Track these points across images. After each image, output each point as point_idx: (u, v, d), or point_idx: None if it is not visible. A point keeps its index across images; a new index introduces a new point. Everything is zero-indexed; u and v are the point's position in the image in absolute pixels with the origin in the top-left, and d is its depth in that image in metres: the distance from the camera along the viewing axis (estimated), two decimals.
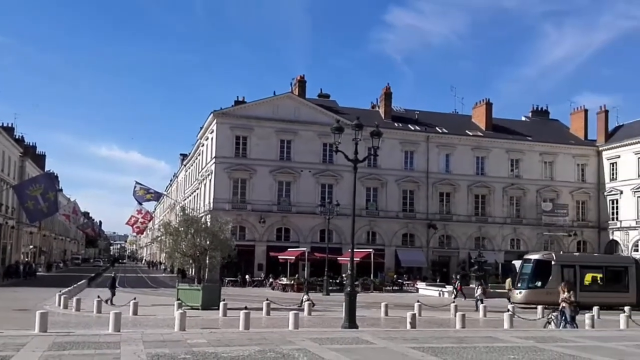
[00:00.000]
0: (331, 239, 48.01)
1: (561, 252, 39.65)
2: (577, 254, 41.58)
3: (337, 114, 49.46)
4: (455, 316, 20.74)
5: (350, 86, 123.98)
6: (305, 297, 28.22)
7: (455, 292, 38.34)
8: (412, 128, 55.81)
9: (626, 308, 25.92)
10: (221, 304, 23.38)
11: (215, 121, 51.29)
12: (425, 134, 55.29)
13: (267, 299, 25.52)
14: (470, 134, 56.98)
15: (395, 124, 55.72)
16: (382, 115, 56.06)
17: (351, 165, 20.04)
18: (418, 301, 26.78)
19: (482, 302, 27.71)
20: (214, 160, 50.66)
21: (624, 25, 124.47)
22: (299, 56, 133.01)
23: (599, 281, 34.16)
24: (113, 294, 28.38)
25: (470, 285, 38.60)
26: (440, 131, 56.19)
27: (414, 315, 19.32)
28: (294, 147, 52.02)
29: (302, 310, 24.34)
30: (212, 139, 52.54)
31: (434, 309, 28.41)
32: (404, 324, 19.35)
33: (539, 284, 33.00)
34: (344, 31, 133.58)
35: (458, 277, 42.44)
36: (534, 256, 35.78)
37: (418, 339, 13.59)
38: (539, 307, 25.93)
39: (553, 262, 33.32)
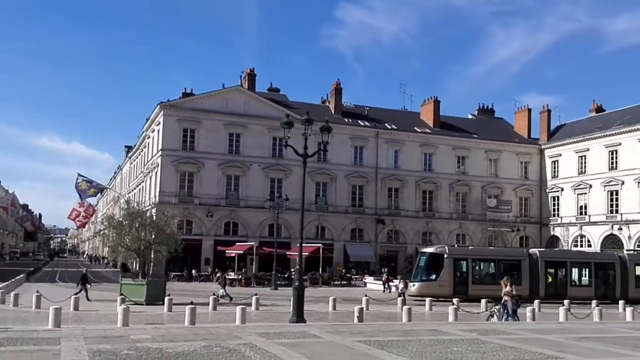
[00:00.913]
0: (280, 234, 47.93)
1: (455, 246, 40.24)
2: (471, 247, 42.17)
3: (287, 108, 49.25)
4: (401, 310, 20.99)
5: (300, 81, 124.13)
6: (221, 291, 28.03)
7: (383, 286, 39.60)
8: (362, 124, 56.18)
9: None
10: (166, 299, 22.99)
11: (162, 113, 50.28)
12: (374, 130, 55.77)
13: (213, 294, 25.26)
14: (419, 130, 57.78)
15: (345, 120, 55.96)
16: (332, 111, 56.19)
17: (301, 160, 19.96)
18: (366, 295, 27.00)
19: (403, 296, 28.09)
20: (160, 152, 49.70)
21: (568, 27, 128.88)
22: (249, 50, 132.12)
23: (492, 274, 34.98)
24: (86, 290, 27.64)
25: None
26: (389, 127, 56.77)
27: (361, 309, 19.44)
28: (243, 141, 51.56)
29: (250, 304, 24.18)
30: (158, 131, 51.52)
31: (381, 303, 28.73)
32: (351, 318, 19.45)
33: (432, 276, 33.83)
34: (295, 26, 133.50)
35: (385, 270, 43.99)
36: (428, 250, 36.46)
37: (365, 333, 13.67)
38: (483, 301, 26.45)
39: (445, 256, 33.90)
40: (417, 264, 36.27)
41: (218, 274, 44.42)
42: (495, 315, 19.76)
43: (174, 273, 44.70)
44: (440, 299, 30.22)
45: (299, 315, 18.22)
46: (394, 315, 23.03)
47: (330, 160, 52.73)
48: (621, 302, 29.11)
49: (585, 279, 37.10)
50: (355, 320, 18.70)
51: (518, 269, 34.82)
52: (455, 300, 25.27)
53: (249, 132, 51.56)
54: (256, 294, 25.76)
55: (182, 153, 49.78)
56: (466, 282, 33.95)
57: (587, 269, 37.16)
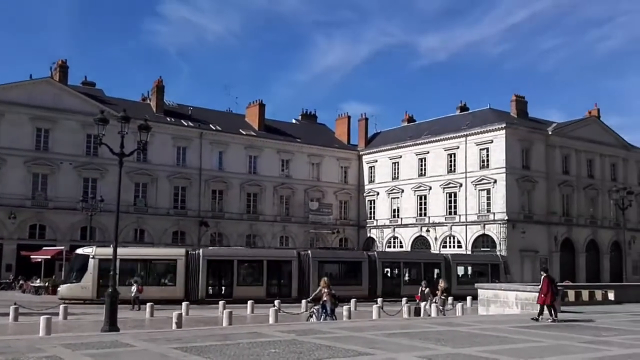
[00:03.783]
0: (94, 237, 45.01)
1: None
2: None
3: (103, 104, 46.39)
4: (222, 314, 20.68)
5: (120, 77, 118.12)
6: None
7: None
8: (185, 124, 54.85)
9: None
10: None
11: None
12: (198, 131, 54.73)
13: (15, 303, 22.98)
14: (244, 133, 57.84)
15: (168, 119, 54.25)
16: (154, 109, 54.13)
17: (117, 159, 18.88)
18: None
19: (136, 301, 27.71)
20: None
21: (384, 41, 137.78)
22: (60, 40, 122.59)
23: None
24: None
25: None
26: (214, 128, 56.09)
27: (179, 315, 18.83)
28: (52, 137, 47.63)
29: (57, 314, 22.28)
30: None
31: (203, 307, 28.17)
32: (170, 324, 18.74)
33: (76, 279, 32.04)
34: (114, 17, 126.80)
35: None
36: (78, 251, 34.20)
37: (182, 339, 13.15)
38: (303, 301, 26.96)
39: (91, 257, 32.07)
40: (71, 264, 34.09)
41: (21, 282, 40.57)
42: (314, 316, 20.22)
43: None
44: (86, 302, 29.44)
45: (111, 324, 17.20)
46: (214, 320, 22.62)
47: (152, 160, 50.74)
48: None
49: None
50: (174, 326, 18.05)
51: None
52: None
53: (59, 128, 47.75)
54: (65, 302, 23.82)
55: None
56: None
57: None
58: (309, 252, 37.27)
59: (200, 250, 34.83)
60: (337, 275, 37.01)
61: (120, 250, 33.33)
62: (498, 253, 47.86)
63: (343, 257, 40.40)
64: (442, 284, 25.92)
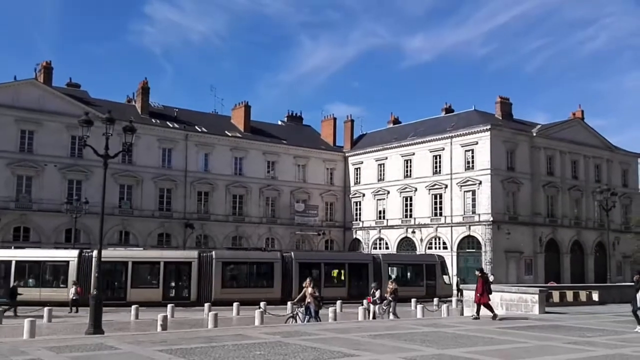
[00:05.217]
0: (79, 239, 44.62)
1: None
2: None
3: (88, 105, 46.04)
4: (208, 316, 20.62)
5: (105, 78, 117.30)
6: None
7: None
8: (171, 125, 54.58)
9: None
10: None
11: None
12: (184, 132, 54.47)
13: (70, 310, 22.88)
14: (230, 134, 57.68)
15: (153, 120, 53.92)
16: (139, 111, 53.80)
17: (102, 161, 18.80)
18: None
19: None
20: None
21: (370, 42, 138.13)
22: (45, 42, 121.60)
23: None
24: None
25: None
26: (199, 130, 55.87)
27: (165, 317, 18.76)
28: (37, 139, 47.15)
29: (42, 317, 22.16)
30: None
31: (188, 309, 28.09)
32: (155, 326, 18.68)
33: None
34: (99, 18, 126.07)
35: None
36: None
37: (167, 341, 13.13)
38: (289, 303, 26.77)
39: None
40: None
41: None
42: (298, 317, 20.20)
43: None
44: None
45: (96, 326, 17.15)
46: (200, 322, 22.55)
47: (137, 162, 50.44)
48: (413, 300, 31.57)
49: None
50: (159, 328, 18.01)
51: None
52: None
53: (44, 130, 47.30)
54: (47, 305, 23.67)
55: None
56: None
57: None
58: (213, 252, 34.86)
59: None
60: (245, 277, 35.11)
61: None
62: (436, 253, 47.64)
63: (252, 258, 36.82)
64: (391, 285, 24.75)
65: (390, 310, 23.18)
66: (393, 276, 37.75)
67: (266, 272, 35.18)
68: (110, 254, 32.98)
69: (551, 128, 56.56)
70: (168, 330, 17.77)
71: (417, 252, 54.87)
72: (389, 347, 12.64)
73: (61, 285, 31.55)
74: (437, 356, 11.31)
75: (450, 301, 33.02)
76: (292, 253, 36.98)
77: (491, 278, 45.48)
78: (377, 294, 23.22)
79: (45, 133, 47.34)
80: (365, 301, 24.41)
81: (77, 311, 26.94)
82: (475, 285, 20.08)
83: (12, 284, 28.78)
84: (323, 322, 19.82)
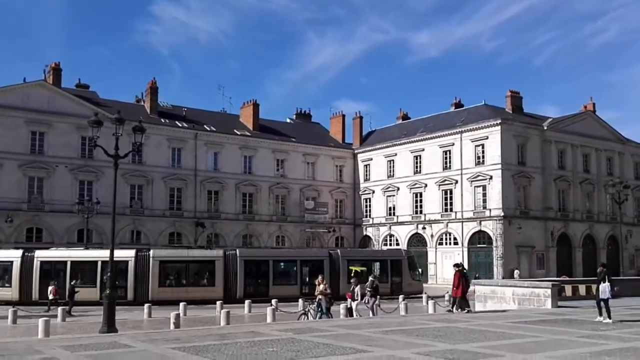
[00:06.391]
0: (91, 239, 44.92)
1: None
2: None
3: (97, 106, 46.30)
4: (220, 313, 20.70)
5: (113, 78, 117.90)
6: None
7: None
8: (180, 125, 54.76)
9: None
10: None
11: None
12: (193, 132, 54.64)
13: (13, 306, 23.01)
14: (238, 133, 57.79)
15: (162, 120, 54.13)
16: (148, 111, 54.02)
17: (113, 161, 18.89)
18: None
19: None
20: None
21: (377, 38, 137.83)
22: (54, 43, 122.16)
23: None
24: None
25: None
26: (208, 129, 56.02)
27: (177, 315, 18.85)
28: (47, 140, 47.48)
29: (55, 316, 22.34)
30: None
31: (200, 307, 28.18)
32: (168, 324, 18.76)
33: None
34: (106, 18, 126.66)
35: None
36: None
37: (180, 339, 13.18)
38: (300, 300, 26.74)
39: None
40: None
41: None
42: (310, 314, 20.23)
43: None
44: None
45: (110, 325, 17.25)
46: (212, 320, 22.63)
47: (146, 162, 50.67)
48: (424, 295, 31.39)
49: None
50: (172, 326, 18.08)
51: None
52: None
53: (54, 131, 47.62)
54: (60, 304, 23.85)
55: None
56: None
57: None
58: (151, 251, 33.70)
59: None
60: (185, 276, 33.63)
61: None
62: (403, 248, 46.83)
63: (191, 256, 35.28)
64: (369, 282, 22.93)
65: (368, 306, 21.91)
66: (353, 272, 35.29)
67: (207, 270, 33.58)
68: (51, 254, 33.41)
69: (562, 121, 56.19)
70: (181, 328, 17.85)
71: (428, 248, 54.85)
72: (402, 342, 12.63)
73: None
74: (450, 351, 11.28)
75: (420, 298, 31.22)
76: (238, 250, 35.34)
77: (516, 273, 45.81)
78: (357, 290, 22.29)
79: (56, 134, 47.65)
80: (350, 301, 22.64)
81: (51, 310, 26.38)
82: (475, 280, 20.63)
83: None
84: (335, 318, 19.83)
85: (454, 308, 20.31)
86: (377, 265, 38.68)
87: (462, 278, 20.04)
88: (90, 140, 21.90)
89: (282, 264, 36.71)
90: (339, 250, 38.24)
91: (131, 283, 31.84)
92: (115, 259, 32.29)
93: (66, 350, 11.36)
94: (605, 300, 16.99)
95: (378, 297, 22.57)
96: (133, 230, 50.42)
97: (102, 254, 31.66)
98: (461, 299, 19.98)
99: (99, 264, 31.57)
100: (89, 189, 47.89)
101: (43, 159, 47.12)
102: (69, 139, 47.88)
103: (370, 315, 21.26)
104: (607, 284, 17.07)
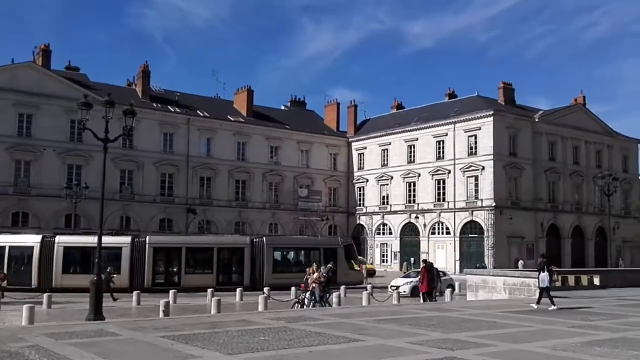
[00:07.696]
0: (79, 224, 44.48)
1: None
2: None
3: (87, 89, 45.59)
4: (210, 302, 20.49)
5: (105, 61, 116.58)
6: None
7: None
8: (172, 110, 54.25)
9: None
10: None
11: None
12: (186, 117, 54.15)
13: None
14: (232, 119, 57.34)
15: (154, 105, 53.57)
16: (140, 94, 53.41)
17: (102, 145, 18.55)
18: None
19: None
20: None
21: (372, 27, 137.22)
22: (44, 24, 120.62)
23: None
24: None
25: None
26: (201, 115, 55.54)
27: (167, 303, 18.65)
28: (35, 123, 46.91)
29: (41, 303, 22.02)
30: None
31: (190, 295, 27.97)
32: (157, 312, 18.53)
33: None
34: (99, 0, 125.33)
35: None
36: None
37: (170, 327, 12.95)
38: (292, 288, 26.42)
39: None
40: None
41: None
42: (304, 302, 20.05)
43: None
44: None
45: (97, 312, 16.99)
46: (202, 308, 22.42)
47: (137, 146, 50.22)
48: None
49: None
50: (161, 314, 17.85)
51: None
52: None
53: (42, 113, 47.04)
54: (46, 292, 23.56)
55: None
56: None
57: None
58: (56, 237, 32.33)
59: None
60: (89, 263, 30.20)
61: None
62: (341, 236, 46.57)
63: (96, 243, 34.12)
64: (316, 272, 21.63)
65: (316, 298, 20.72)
66: (279, 261, 34.92)
67: (113, 257, 31.12)
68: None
69: (553, 114, 56.26)
70: (170, 316, 17.62)
71: (420, 237, 54.88)
72: (394, 331, 12.49)
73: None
74: (442, 340, 11.15)
75: (364, 289, 27.45)
76: (147, 237, 33.64)
77: (520, 264, 45.81)
78: (312, 278, 21.05)
79: (44, 117, 47.06)
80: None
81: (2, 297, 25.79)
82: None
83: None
84: (327, 307, 19.68)
85: (424, 301, 21.36)
86: (309, 253, 36.07)
87: (428, 274, 21.05)
88: (79, 123, 21.45)
89: (196, 251, 34.61)
90: (264, 238, 36.11)
91: (35, 270, 30.83)
92: (21, 244, 31.63)
93: (50, 338, 11.09)
94: (546, 289, 17.79)
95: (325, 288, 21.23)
96: (122, 215, 50.01)
97: (8, 240, 31.91)
98: (426, 293, 21.13)
99: (7, 249, 30.96)
100: (78, 173, 47.41)
101: (31, 142, 46.56)
102: (57, 122, 47.28)
103: (326, 306, 20.40)
104: (545, 273, 17.84)
